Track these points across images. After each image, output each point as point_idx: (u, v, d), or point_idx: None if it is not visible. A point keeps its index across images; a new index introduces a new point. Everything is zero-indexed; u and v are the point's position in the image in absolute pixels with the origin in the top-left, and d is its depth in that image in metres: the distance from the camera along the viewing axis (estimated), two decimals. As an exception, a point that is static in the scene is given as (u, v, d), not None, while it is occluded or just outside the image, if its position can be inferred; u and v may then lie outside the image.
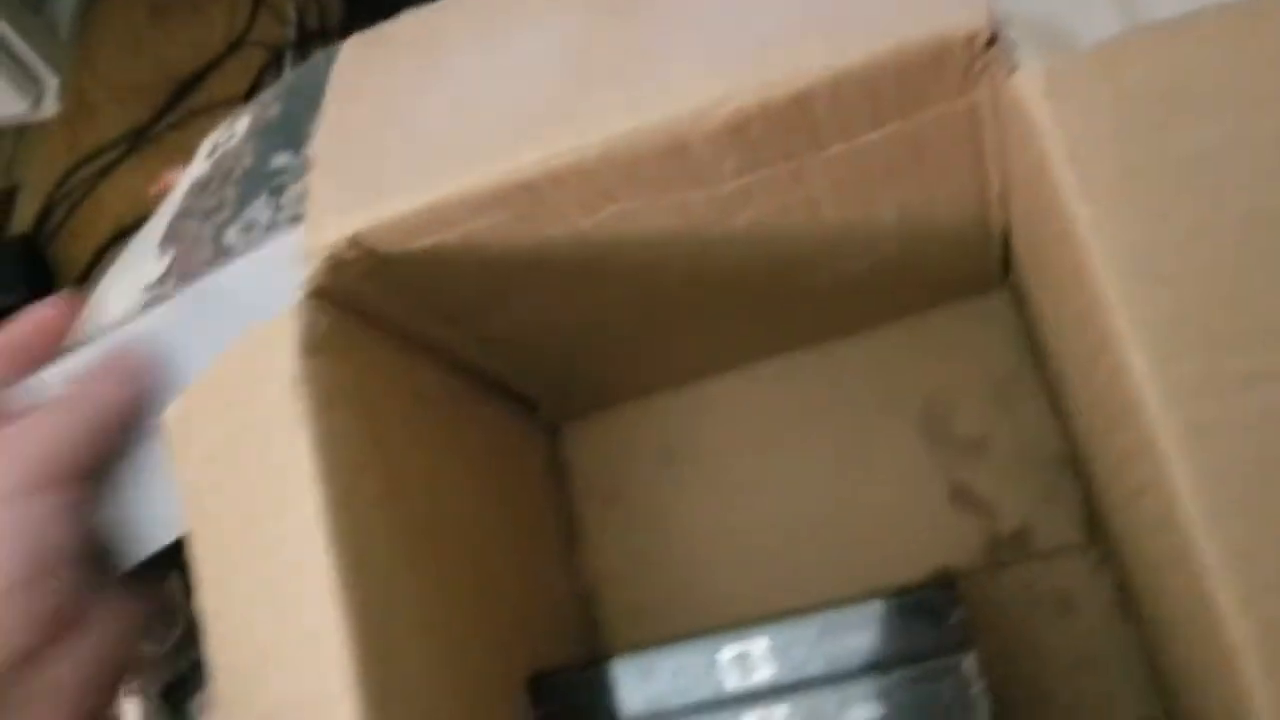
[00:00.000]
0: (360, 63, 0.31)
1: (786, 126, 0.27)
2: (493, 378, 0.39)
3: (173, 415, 0.28)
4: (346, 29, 1.16)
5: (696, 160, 0.27)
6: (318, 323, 0.27)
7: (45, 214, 1.20)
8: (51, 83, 1.21)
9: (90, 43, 1.29)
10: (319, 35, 1.16)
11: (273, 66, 1.18)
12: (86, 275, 1.08)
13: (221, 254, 0.56)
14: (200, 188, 0.59)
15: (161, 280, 0.57)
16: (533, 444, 0.43)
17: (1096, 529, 0.37)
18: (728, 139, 0.27)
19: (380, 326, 0.31)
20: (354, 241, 0.28)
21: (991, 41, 0.24)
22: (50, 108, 1.22)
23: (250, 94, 1.16)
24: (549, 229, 0.29)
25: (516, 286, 0.32)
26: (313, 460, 0.26)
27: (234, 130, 0.62)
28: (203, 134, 0.60)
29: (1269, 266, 0.22)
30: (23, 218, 1.22)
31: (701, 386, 0.43)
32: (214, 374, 0.28)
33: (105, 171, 1.19)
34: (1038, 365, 0.39)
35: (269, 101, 0.58)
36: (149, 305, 0.36)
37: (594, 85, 0.27)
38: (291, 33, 1.20)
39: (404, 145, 0.28)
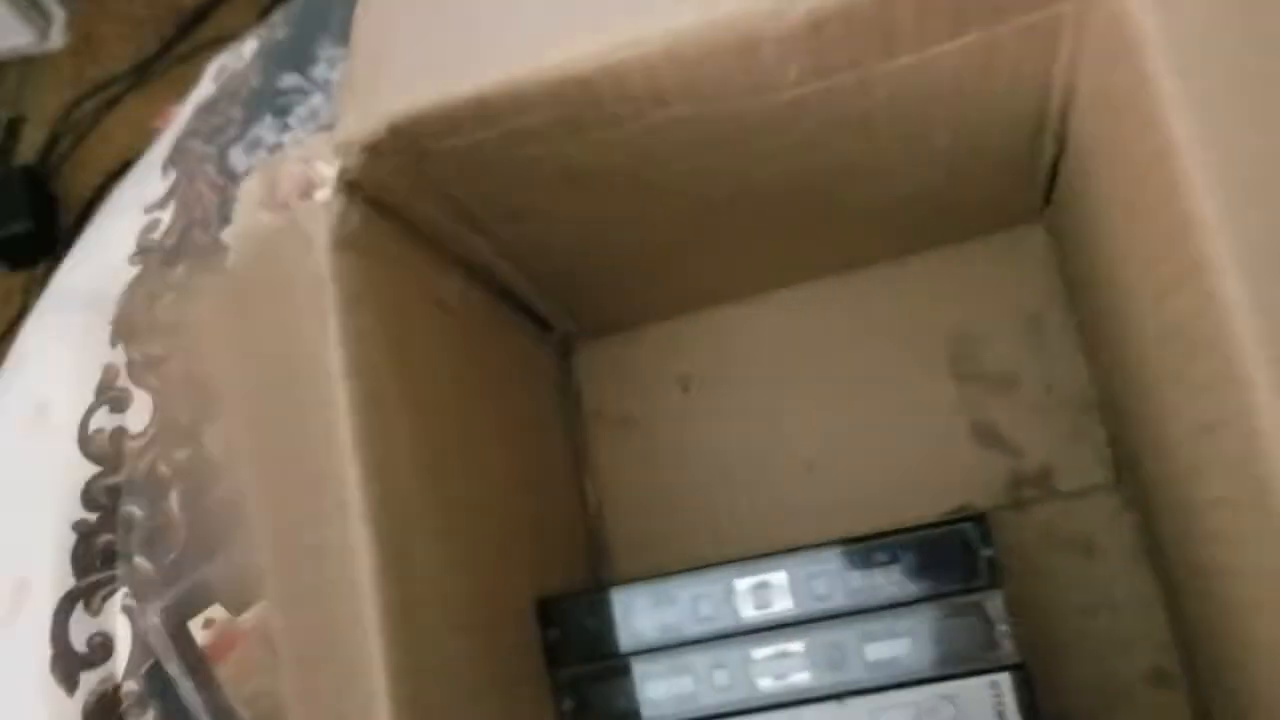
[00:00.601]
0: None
1: (864, 28, 0.25)
2: (513, 293, 0.37)
3: (202, 306, 0.27)
4: None
5: (762, 63, 0.26)
6: (349, 218, 0.26)
7: (50, 145, 1.18)
8: (58, 15, 1.19)
9: None
10: None
11: (279, 2, 1.15)
12: (90, 206, 1.06)
13: (225, 174, 0.54)
14: (207, 108, 0.57)
15: (162, 202, 0.55)
16: (547, 364, 0.41)
17: (1124, 472, 0.37)
18: (802, 39, 0.25)
19: (409, 230, 0.30)
20: (393, 130, 0.26)
21: (1093, -56, 0.23)
22: (57, 40, 1.20)
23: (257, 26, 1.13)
24: (596, 133, 0.28)
25: (554, 193, 0.31)
26: (341, 358, 0.24)
27: (241, 52, 0.59)
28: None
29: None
30: (28, 148, 1.20)
31: (722, 312, 0.42)
32: (244, 264, 0.26)
33: (111, 104, 1.17)
34: (1072, 303, 0.38)
35: (278, 24, 0.56)
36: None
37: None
38: None
39: (449, 32, 0.26)
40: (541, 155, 0.28)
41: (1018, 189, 0.36)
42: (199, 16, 1.18)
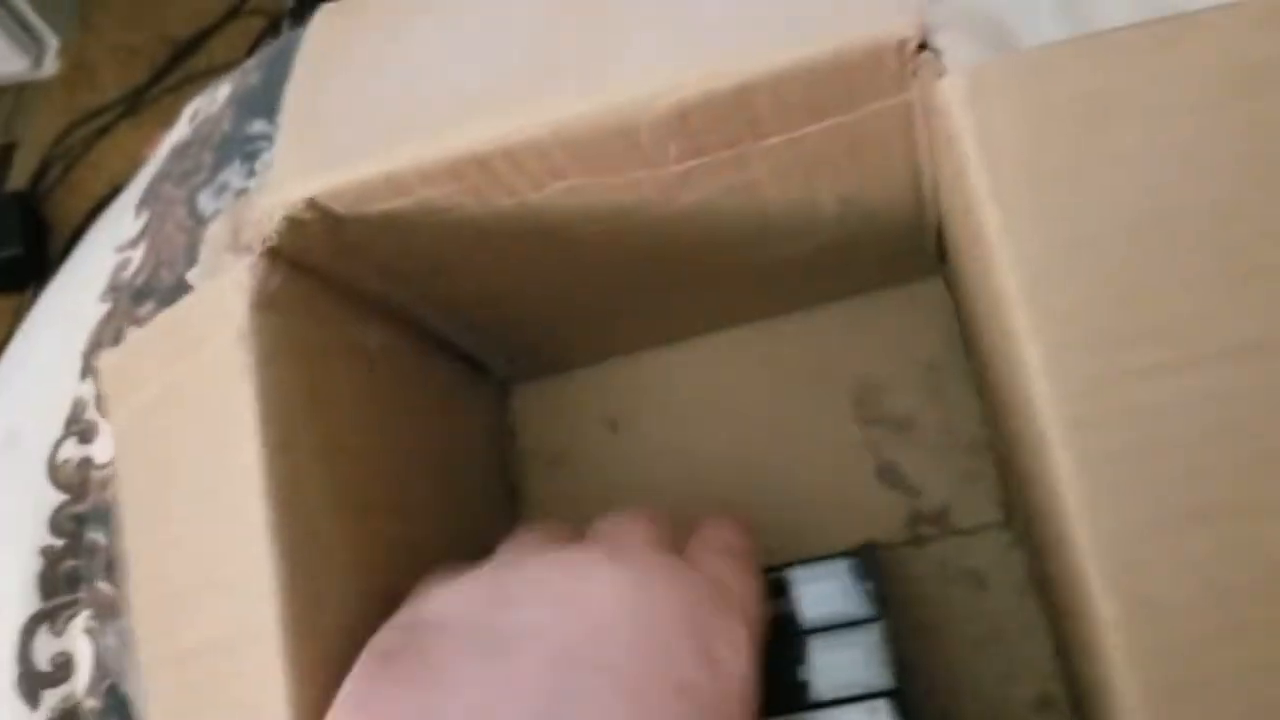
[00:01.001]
0: (330, 32, 0.32)
1: (727, 117, 0.28)
2: (443, 338, 0.40)
3: (110, 363, 0.30)
4: None
5: (643, 144, 0.29)
6: (269, 280, 0.28)
7: (42, 171, 1.21)
8: (52, 42, 1.22)
9: (91, 4, 1.30)
10: (317, 1, 1.16)
11: (271, 33, 1.19)
12: (80, 231, 1.10)
13: (194, 217, 0.57)
14: (180, 151, 0.60)
15: (134, 242, 0.58)
16: (482, 404, 0.44)
17: (1012, 511, 0.39)
18: (672, 126, 0.28)
19: (333, 285, 0.32)
20: (311, 204, 0.29)
21: (922, 47, 0.26)
22: (50, 67, 1.23)
23: (247, 59, 1.16)
24: (500, 200, 0.31)
25: (468, 253, 0.33)
26: (254, 410, 0.27)
27: (216, 96, 0.62)
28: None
29: (1166, 267, 0.23)
30: (20, 174, 1.23)
31: (647, 356, 0.44)
32: (162, 324, 0.29)
33: (103, 131, 1.20)
34: (967, 351, 0.41)
35: (250, 69, 0.59)
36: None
37: (549, 67, 0.28)
38: (290, 0, 1.20)
39: (365, 114, 0.29)
40: (454, 220, 0.31)
41: (913, 247, 0.39)
42: (191, 47, 1.22)
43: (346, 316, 0.33)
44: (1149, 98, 0.24)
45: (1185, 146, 0.23)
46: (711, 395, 0.44)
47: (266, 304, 0.28)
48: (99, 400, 0.54)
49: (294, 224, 0.29)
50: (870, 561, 0.35)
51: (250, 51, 1.18)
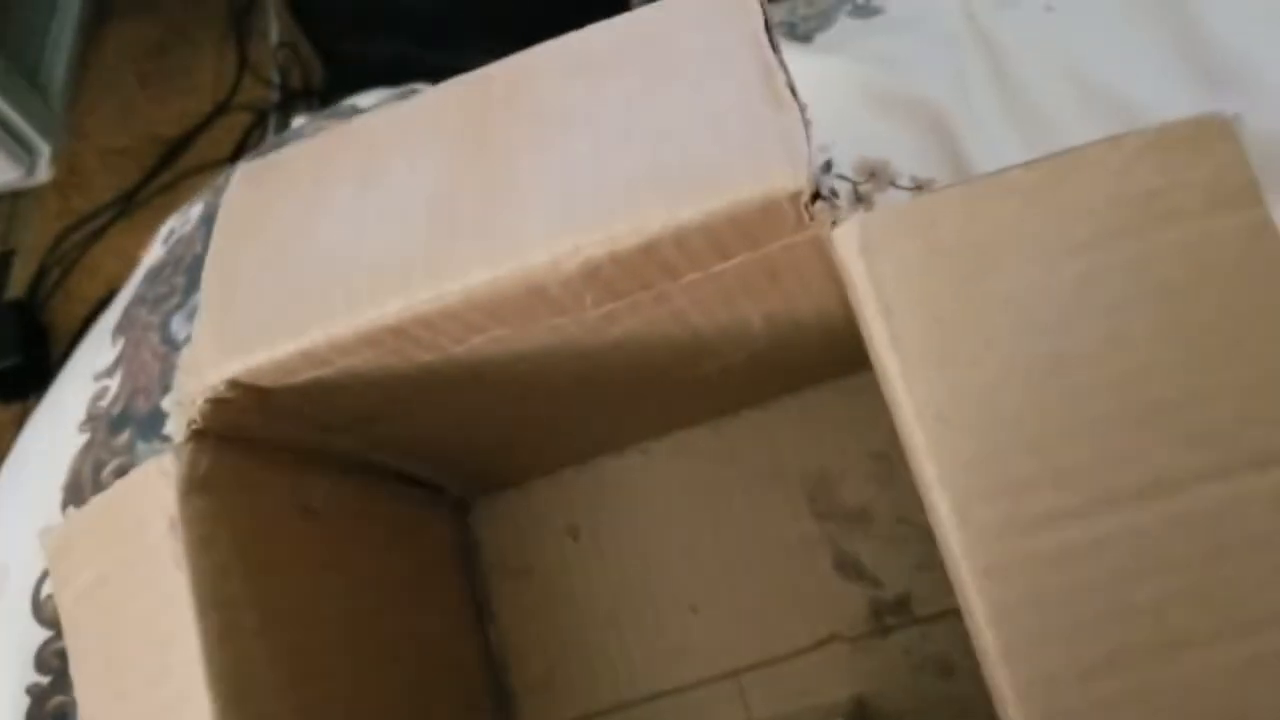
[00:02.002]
0: (246, 200, 0.33)
1: (637, 268, 0.28)
2: (393, 470, 0.40)
3: (53, 545, 0.30)
4: (328, 91, 1.19)
5: (556, 298, 0.29)
6: (198, 463, 0.29)
7: (39, 277, 1.22)
8: (44, 150, 1.24)
9: (81, 110, 1.32)
10: (302, 96, 1.19)
11: (258, 128, 1.21)
12: (79, 337, 1.12)
13: (167, 342, 0.57)
14: (154, 275, 0.61)
15: (110, 370, 0.58)
16: (441, 524, 0.44)
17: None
18: (582, 282, 0.28)
19: (267, 446, 0.33)
20: (233, 383, 0.29)
21: (815, 197, 0.26)
22: (43, 174, 1.25)
23: (236, 155, 1.19)
24: (422, 357, 0.31)
25: (402, 403, 0.34)
26: (191, 600, 0.27)
27: (189, 215, 0.63)
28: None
29: (1065, 409, 0.24)
30: (18, 282, 1.24)
31: (603, 463, 0.45)
32: (95, 510, 0.29)
33: (97, 234, 1.21)
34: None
35: (221, 187, 0.59)
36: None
37: (455, 234, 0.28)
38: (275, 95, 1.22)
39: (280, 290, 0.30)
40: (381, 378, 0.32)
41: (850, 344, 0.39)
42: (179, 146, 1.24)
43: (285, 476, 0.33)
44: (1037, 239, 0.24)
45: (1074, 286, 0.24)
46: (667, 497, 0.44)
47: (198, 487, 0.28)
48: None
49: (218, 404, 0.29)
50: None
51: (238, 147, 1.19)
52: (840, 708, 0.39)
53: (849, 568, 0.41)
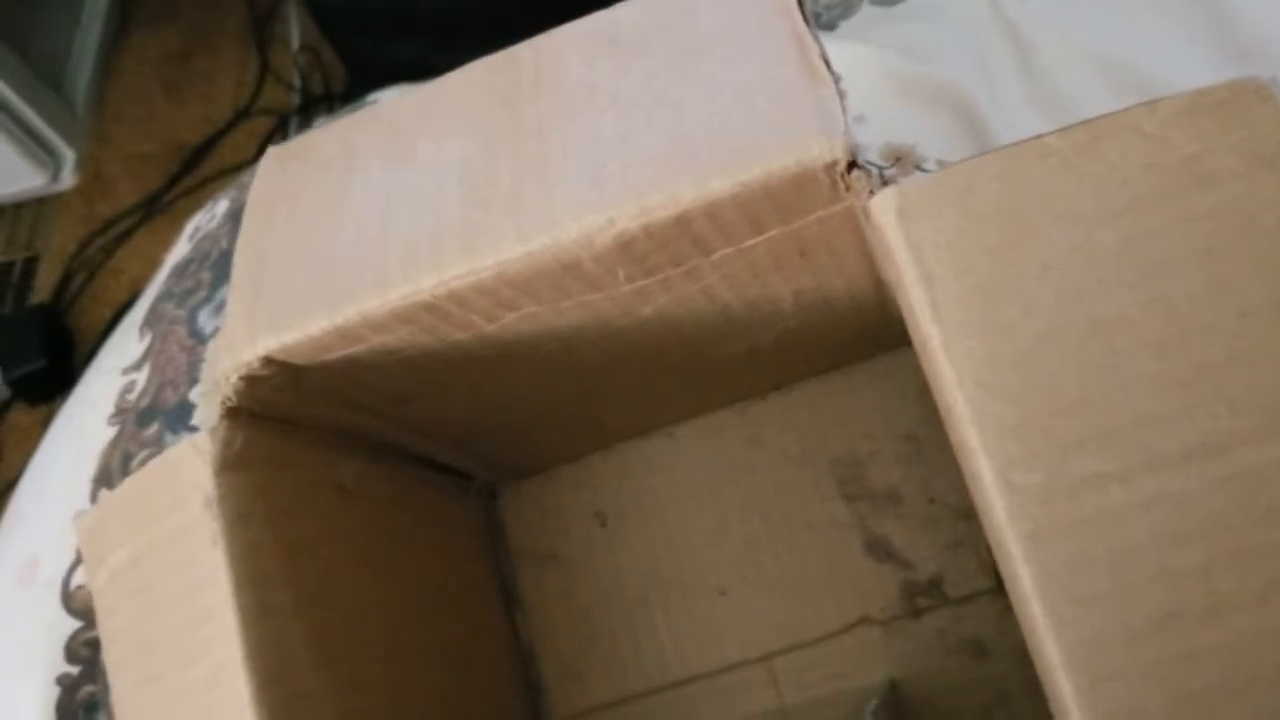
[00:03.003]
0: (276, 182, 0.33)
1: (670, 242, 0.28)
2: (422, 455, 0.40)
3: (86, 527, 0.30)
4: (349, 94, 1.20)
5: (590, 273, 0.29)
6: (233, 441, 0.29)
7: (64, 282, 1.23)
8: (69, 156, 1.26)
9: (105, 117, 1.34)
10: (323, 100, 1.20)
11: (279, 132, 1.23)
12: (103, 340, 1.13)
13: (194, 336, 0.58)
14: (180, 270, 0.61)
15: (138, 364, 0.59)
16: (468, 510, 0.44)
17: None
18: (616, 256, 0.28)
19: (301, 426, 0.33)
20: (267, 360, 0.29)
21: (852, 166, 0.26)
22: (68, 180, 1.27)
23: (258, 159, 1.19)
24: (455, 335, 0.31)
25: (434, 382, 0.34)
26: (228, 576, 0.27)
27: (214, 212, 0.63)
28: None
29: (1107, 373, 0.23)
30: (43, 286, 1.26)
31: (630, 448, 0.45)
32: (128, 491, 0.29)
33: (121, 239, 1.23)
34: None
35: (247, 184, 0.60)
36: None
37: (488, 210, 0.28)
38: (296, 99, 1.23)
39: (312, 268, 0.30)
40: (413, 356, 0.32)
41: (880, 324, 0.39)
42: (202, 151, 1.25)
43: (317, 455, 0.33)
44: (1073, 205, 0.24)
45: (1113, 250, 0.24)
46: (695, 481, 0.44)
47: (232, 465, 0.29)
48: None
49: (252, 381, 0.29)
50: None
51: (259, 151, 1.21)
52: (874, 691, 0.39)
53: (879, 549, 0.41)
